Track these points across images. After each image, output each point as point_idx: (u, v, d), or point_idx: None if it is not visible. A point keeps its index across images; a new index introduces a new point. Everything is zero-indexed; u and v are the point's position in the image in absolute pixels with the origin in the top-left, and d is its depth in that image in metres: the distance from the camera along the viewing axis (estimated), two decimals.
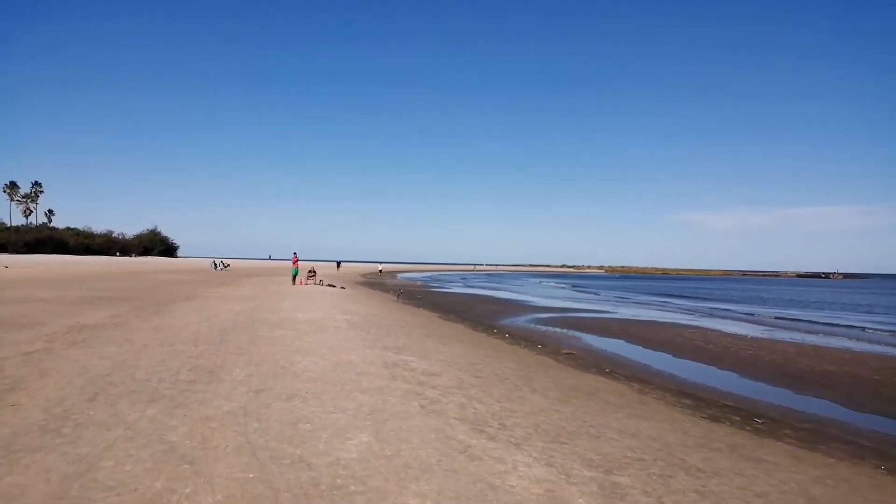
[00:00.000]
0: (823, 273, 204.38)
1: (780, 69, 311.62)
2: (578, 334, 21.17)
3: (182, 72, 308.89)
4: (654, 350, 17.84)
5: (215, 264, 76.59)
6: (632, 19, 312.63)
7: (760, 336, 22.49)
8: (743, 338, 21.59)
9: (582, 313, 31.35)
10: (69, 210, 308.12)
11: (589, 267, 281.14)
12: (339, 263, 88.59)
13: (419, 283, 60.53)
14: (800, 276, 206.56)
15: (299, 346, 12.43)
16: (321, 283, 40.68)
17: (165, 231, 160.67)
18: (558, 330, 22.32)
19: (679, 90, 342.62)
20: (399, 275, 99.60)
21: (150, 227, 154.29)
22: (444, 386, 9.23)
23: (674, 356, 16.80)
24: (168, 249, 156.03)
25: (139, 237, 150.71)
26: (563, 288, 69.28)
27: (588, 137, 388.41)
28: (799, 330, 25.97)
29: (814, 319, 31.99)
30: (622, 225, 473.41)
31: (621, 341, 19.75)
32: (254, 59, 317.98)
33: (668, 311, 35.46)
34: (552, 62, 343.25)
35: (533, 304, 38.19)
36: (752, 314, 34.90)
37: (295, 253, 39.93)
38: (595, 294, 56.99)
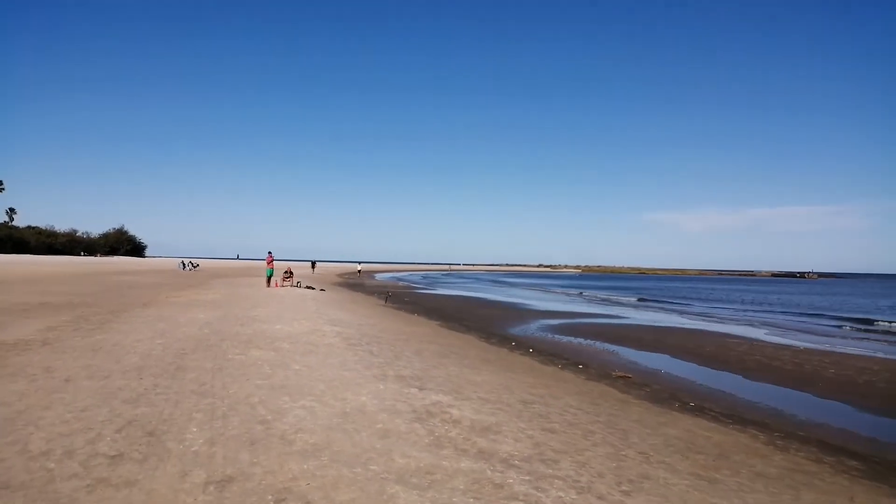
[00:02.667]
0: (798, 273, 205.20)
1: (748, 72, 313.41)
2: (611, 347, 18.01)
3: (150, 69, 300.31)
4: (716, 369, 14.75)
5: (183, 264, 72.31)
6: (604, 23, 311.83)
7: (812, 346, 19.49)
8: (797, 349, 18.57)
9: (592, 318, 28.23)
10: (33, 209, 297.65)
11: (566, 266, 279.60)
12: (314, 263, 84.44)
13: (401, 284, 57.11)
14: (774, 275, 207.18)
15: (284, 378, 9.01)
16: (298, 284, 37.07)
17: (133, 230, 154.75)
18: (583, 341, 19.13)
19: (651, 94, 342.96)
20: (376, 275, 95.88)
21: (117, 226, 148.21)
22: (519, 456, 5.91)
23: (746, 378, 13.76)
24: (135, 249, 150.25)
25: (105, 236, 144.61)
26: (549, 289, 66.22)
27: (561, 139, 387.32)
28: (847, 338, 23.11)
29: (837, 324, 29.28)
30: (596, 225, 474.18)
31: (666, 356, 16.65)
32: (222, 56, 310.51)
33: (680, 315, 32.58)
34: (528, 65, 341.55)
35: (532, 307, 35.01)
36: (768, 319, 32.10)
37: (270, 252, 36.21)
38: (586, 294, 54.09)
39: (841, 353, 18.30)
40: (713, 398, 11.14)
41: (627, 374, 12.86)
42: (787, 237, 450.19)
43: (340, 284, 52.50)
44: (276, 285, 35.42)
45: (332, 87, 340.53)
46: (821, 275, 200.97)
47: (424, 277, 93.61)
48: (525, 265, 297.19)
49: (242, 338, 13.34)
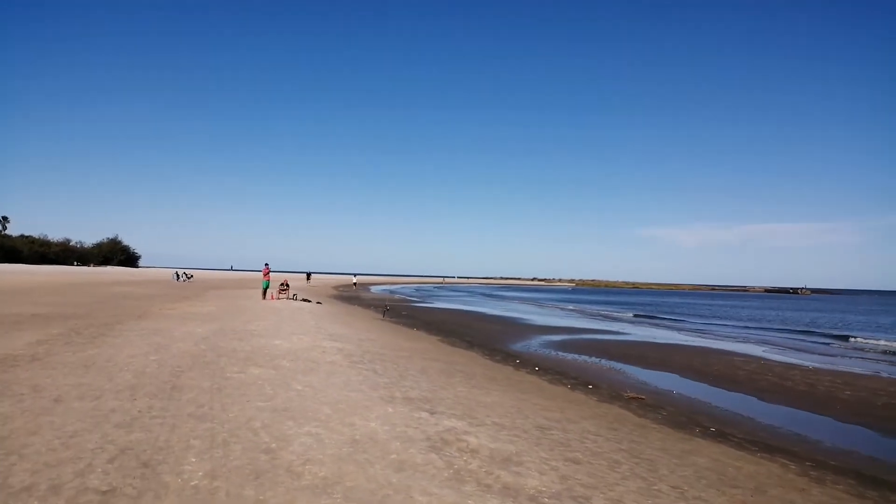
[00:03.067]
0: (791, 288, 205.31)
1: (741, 88, 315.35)
2: (617, 365, 17.58)
3: (145, 76, 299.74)
4: (728, 390, 14.34)
5: (177, 275, 71.57)
6: (599, 37, 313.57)
7: (821, 366, 19.08)
8: (806, 369, 18.16)
9: (592, 335, 27.78)
10: (26, 218, 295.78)
11: (559, 280, 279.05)
12: (309, 275, 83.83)
13: (397, 296, 56.60)
14: (768, 291, 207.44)
15: (286, 399, 8.52)
16: (294, 297, 36.51)
17: (127, 240, 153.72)
18: (587, 359, 18.69)
19: (645, 109, 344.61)
20: (371, 287, 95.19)
21: (111, 236, 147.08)
22: (548, 492, 5.45)
23: (761, 399, 13.35)
24: (129, 259, 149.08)
25: (99, 246, 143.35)
26: (544, 303, 65.74)
27: (556, 152, 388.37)
28: (845, 356, 22.70)
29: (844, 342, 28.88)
30: (590, 239, 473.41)
31: (675, 376, 16.22)
32: (218, 64, 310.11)
33: (679, 332, 32.12)
34: (523, 79, 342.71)
35: (531, 322, 34.56)
36: (769, 337, 31.69)
37: (267, 264, 35.62)
38: (582, 309, 53.64)
39: (851, 373, 17.91)
40: (733, 422, 10.68)
41: (640, 396, 12.41)
42: (779, 253, 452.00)
43: (336, 297, 51.94)
44: (273, 298, 34.87)
45: (326, 99, 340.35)
46: (814, 290, 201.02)
47: (419, 290, 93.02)
48: (519, 278, 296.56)
49: (241, 354, 12.84)
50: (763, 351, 22.85)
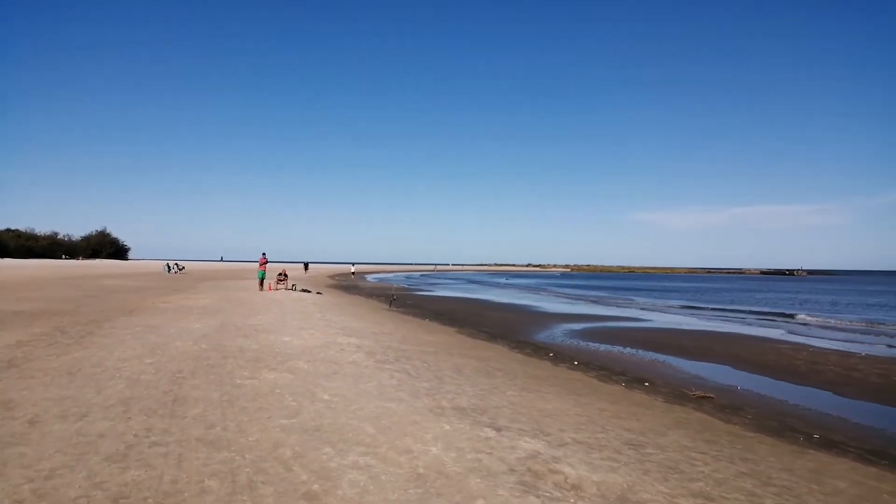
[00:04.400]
0: (788, 270, 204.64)
1: (731, 74, 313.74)
2: (657, 356, 16.11)
3: (132, 68, 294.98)
4: (795, 384, 12.91)
5: (168, 267, 69.61)
6: (591, 22, 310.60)
7: (875, 353, 17.63)
8: (863, 357, 16.71)
9: (613, 322, 26.32)
10: (12, 211, 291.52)
11: (554, 266, 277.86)
12: (306, 265, 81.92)
13: (396, 285, 54.82)
14: (764, 273, 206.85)
15: (315, 414, 6.95)
16: (293, 287, 34.83)
17: (116, 232, 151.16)
18: (622, 349, 17.21)
19: (635, 94, 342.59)
20: (367, 276, 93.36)
21: (99, 229, 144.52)
22: None
23: (838, 394, 11.89)
24: (118, 251, 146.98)
25: (87, 239, 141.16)
26: (546, 289, 64.26)
27: (549, 138, 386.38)
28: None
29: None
30: (582, 225, 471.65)
31: (727, 367, 14.78)
32: (205, 55, 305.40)
33: (699, 318, 30.64)
34: (516, 65, 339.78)
35: (543, 309, 33.08)
36: (799, 321, 30.33)
37: (264, 253, 33.87)
38: (587, 294, 52.19)
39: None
40: (830, 426, 9.17)
41: (708, 394, 10.91)
42: (771, 235, 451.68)
43: (335, 287, 50.29)
44: (270, 288, 33.21)
45: (316, 88, 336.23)
46: (809, 272, 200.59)
47: (415, 278, 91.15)
48: (514, 265, 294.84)
49: (249, 354, 11.24)
50: (808, 337, 21.34)
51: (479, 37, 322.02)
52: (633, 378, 12.50)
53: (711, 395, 10.80)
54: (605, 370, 13.35)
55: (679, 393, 11.05)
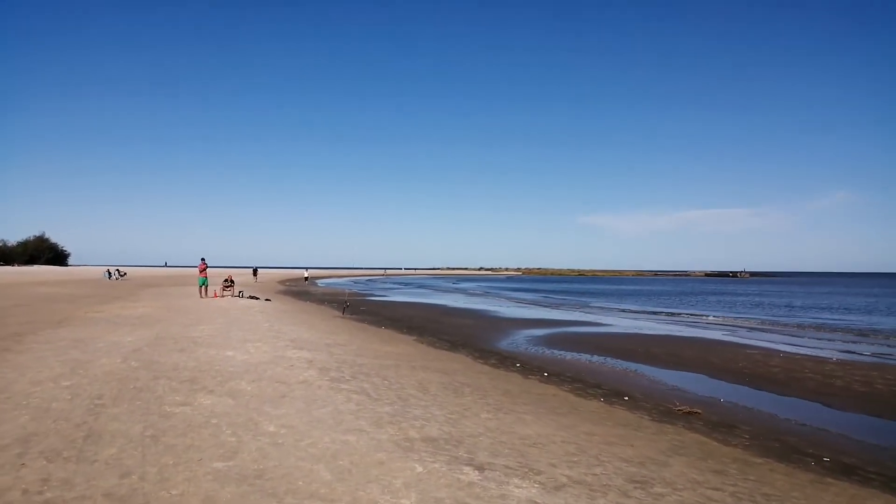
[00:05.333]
0: (731, 272, 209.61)
1: (672, 78, 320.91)
2: (629, 365, 15.33)
3: (72, 65, 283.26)
4: (778, 394, 12.25)
5: (109, 273, 66.38)
6: (538, 22, 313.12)
7: (849, 359, 17.17)
8: (838, 363, 16.22)
9: (575, 327, 25.56)
10: None
11: (506, 269, 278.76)
12: (255, 270, 79.12)
13: (348, 290, 53.08)
14: (708, 275, 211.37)
15: (258, 454, 5.73)
16: (241, 294, 33.12)
17: (55, 237, 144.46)
18: (590, 358, 16.38)
19: (577, 98, 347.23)
20: (318, 281, 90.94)
21: (38, 234, 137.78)
22: None
23: (828, 406, 11.22)
24: (57, 257, 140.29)
25: (24, 244, 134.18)
26: (501, 292, 63.59)
27: (499, 142, 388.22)
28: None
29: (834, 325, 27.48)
30: (531, 228, 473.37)
31: (702, 376, 14.07)
32: (147, 54, 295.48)
33: (659, 322, 30.26)
34: (464, 67, 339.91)
35: (501, 314, 32.18)
36: (757, 324, 30.15)
37: (203, 259, 32.00)
38: (542, 298, 51.63)
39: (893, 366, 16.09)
40: (840, 447, 8.33)
41: (694, 409, 10.02)
42: (714, 238, 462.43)
43: (285, 293, 48.47)
44: (216, 295, 31.43)
45: (258, 87, 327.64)
46: (752, 274, 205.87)
47: (368, 283, 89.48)
48: (465, 268, 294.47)
49: (184, 373, 9.88)
50: (773, 343, 20.85)
51: (427, 36, 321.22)
52: (611, 391, 11.57)
53: (698, 411, 9.93)
54: (579, 382, 12.39)
55: (663, 408, 10.14)
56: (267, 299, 32.59)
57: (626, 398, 10.91)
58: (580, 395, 10.90)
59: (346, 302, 31.10)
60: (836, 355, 17.43)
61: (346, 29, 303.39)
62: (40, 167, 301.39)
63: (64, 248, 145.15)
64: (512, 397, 9.98)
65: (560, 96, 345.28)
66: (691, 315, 34.63)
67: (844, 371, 14.61)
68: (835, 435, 8.92)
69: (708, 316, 33.95)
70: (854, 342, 21.26)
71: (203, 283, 31.21)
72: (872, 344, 20.63)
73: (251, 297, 32.10)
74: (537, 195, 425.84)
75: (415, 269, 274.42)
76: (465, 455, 6.06)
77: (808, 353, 18.11)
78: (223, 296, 32.09)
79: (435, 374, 11.78)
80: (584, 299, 51.91)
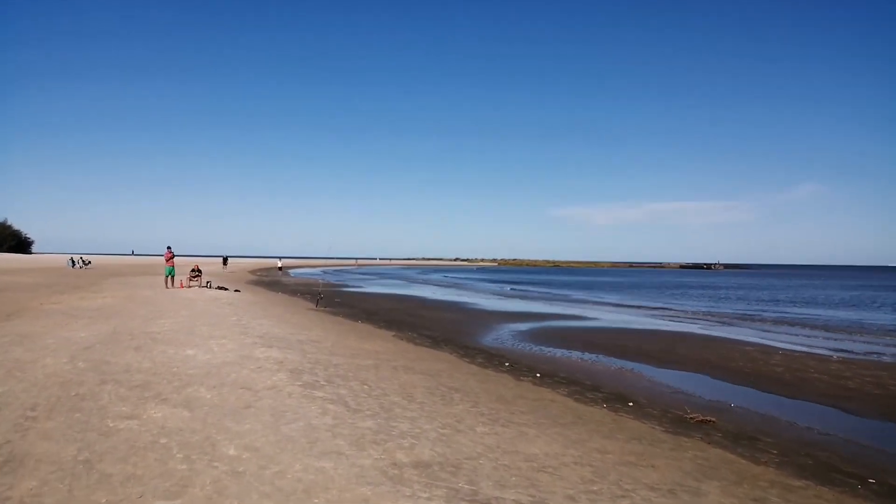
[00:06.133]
0: (705, 264, 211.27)
1: (642, 71, 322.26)
2: (624, 363, 14.43)
3: (37, 46, 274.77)
4: (790, 397, 11.40)
5: (73, 261, 64.01)
6: (507, 17, 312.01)
7: (849, 357, 16.42)
8: (842, 361, 15.46)
9: (560, 321, 24.64)
10: None
11: (482, 260, 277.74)
12: (225, 259, 77.10)
13: (322, 281, 51.47)
14: (683, 266, 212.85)
15: (214, 488, 4.65)
16: (208, 285, 31.66)
17: (18, 224, 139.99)
18: (582, 356, 15.44)
19: (551, 90, 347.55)
20: (291, 271, 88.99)
21: None
22: None
23: (846, 412, 10.34)
24: (20, 245, 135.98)
25: None
26: (479, 284, 62.63)
27: (475, 132, 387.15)
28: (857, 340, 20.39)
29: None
30: (507, 219, 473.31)
31: (704, 377, 13.21)
32: (115, 39, 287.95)
33: (645, 315, 29.44)
34: (434, 57, 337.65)
35: (483, 307, 31.16)
36: (754, 316, 29.54)
37: (169, 247, 30.40)
38: (522, 289, 50.77)
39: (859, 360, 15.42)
40: (880, 465, 7.38)
41: (707, 417, 9.06)
42: (686, 230, 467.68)
43: (256, 283, 46.94)
44: (182, 286, 29.97)
45: (229, 73, 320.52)
46: (725, 266, 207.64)
47: (342, 273, 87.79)
48: (441, 259, 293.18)
49: (137, 377, 8.68)
50: (766, 338, 20.09)
51: (400, 29, 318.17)
52: (612, 395, 10.59)
53: (712, 419, 8.98)
54: (576, 385, 11.40)
55: (674, 416, 9.18)
56: (236, 290, 31.21)
57: (631, 403, 9.94)
58: (580, 401, 9.89)
59: (319, 293, 29.83)
60: (834, 353, 16.66)
61: (310, 20, 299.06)
62: (2, 153, 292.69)
63: (27, 236, 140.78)
64: (507, 404, 8.93)
65: (533, 90, 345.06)
66: (675, 308, 33.98)
67: (851, 371, 13.82)
68: (869, 449, 8.01)
69: (692, 309, 33.32)
70: (848, 339, 20.50)
71: (170, 273, 29.71)
72: (866, 342, 19.86)
73: (219, 288, 30.68)
74: (511, 186, 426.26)
75: (390, 259, 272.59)
76: (467, 487, 4.99)
77: (806, 350, 17.36)
78: (190, 286, 30.64)
79: (419, 376, 10.70)
80: (563, 291, 51.15)
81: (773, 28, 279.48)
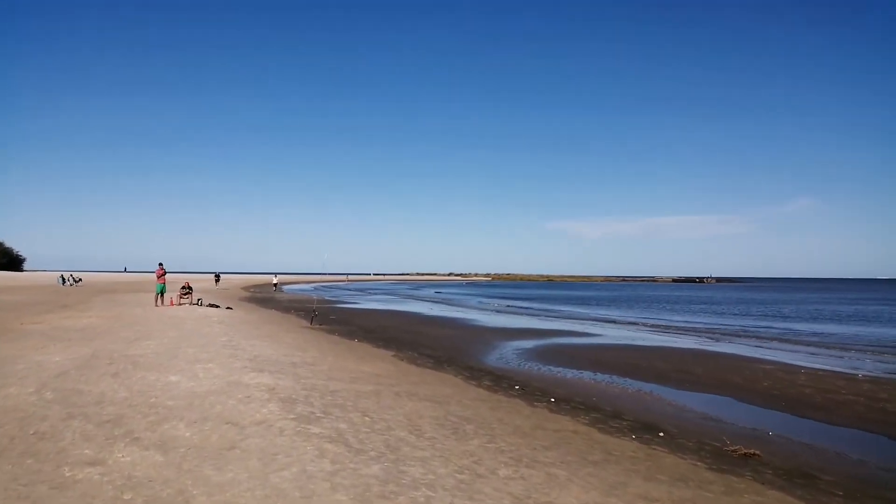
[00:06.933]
0: (698, 278, 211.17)
1: (637, 83, 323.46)
2: (642, 386, 13.46)
3: (28, 62, 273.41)
4: (832, 424, 10.45)
5: (63, 279, 62.73)
6: (502, 28, 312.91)
7: (879, 375, 15.49)
8: (870, 380, 14.52)
9: (563, 338, 23.68)
10: None
11: (476, 275, 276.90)
12: (217, 276, 75.84)
13: (315, 297, 50.27)
14: (676, 280, 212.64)
15: None
16: (199, 302, 30.55)
17: (9, 242, 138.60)
18: (593, 376, 14.55)
19: (544, 103, 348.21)
20: (284, 287, 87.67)
21: None
22: None
23: (894, 439, 9.24)
24: (11, 262, 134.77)
25: None
26: (475, 299, 61.58)
27: (468, 145, 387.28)
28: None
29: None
30: (500, 233, 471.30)
31: (730, 399, 12.31)
32: (108, 54, 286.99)
33: (651, 332, 28.46)
34: (429, 67, 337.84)
35: (482, 323, 30.17)
36: (762, 331, 28.61)
37: (161, 264, 29.31)
38: (519, 306, 49.77)
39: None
40: None
41: (751, 450, 8.07)
42: (679, 244, 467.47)
43: (249, 300, 45.81)
44: (172, 303, 28.87)
45: (221, 87, 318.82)
46: (718, 279, 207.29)
47: (330, 289, 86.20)
48: (435, 274, 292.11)
49: (109, 410, 7.68)
50: (783, 356, 19.13)
51: (395, 39, 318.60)
52: (637, 423, 9.61)
53: (756, 452, 8.02)
54: (595, 411, 10.42)
55: (712, 449, 8.21)
56: (228, 307, 30.14)
57: (661, 433, 8.97)
58: (606, 431, 8.91)
59: (314, 310, 28.78)
60: (859, 372, 15.72)
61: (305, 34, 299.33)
62: None
63: (19, 253, 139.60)
64: (527, 438, 7.94)
65: (527, 104, 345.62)
66: (678, 323, 33.06)
67: (886, 392, 12.91)
68: None
69: (696, 324, 32.45)
70: (868, 358, 19.44)
71: (160, 290, 28.62)
72: (885, 362, 18.81)
73: (210, 305, 29.62)
74: (505, 200, 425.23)
75: (384, 274, 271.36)
76: None
77: (829, 368, 16.40)
78: (180, 304, 29.55)
79: (425, 403, 9.69)
80: (559, 305, 50.26)
81: (766, 42, 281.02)
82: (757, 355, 19.02)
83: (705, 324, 32.77)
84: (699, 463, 7.46)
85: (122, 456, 5.90)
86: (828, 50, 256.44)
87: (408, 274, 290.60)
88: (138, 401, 8.32)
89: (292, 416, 7.62)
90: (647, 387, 13.23)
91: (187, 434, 6.70)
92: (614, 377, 14.34)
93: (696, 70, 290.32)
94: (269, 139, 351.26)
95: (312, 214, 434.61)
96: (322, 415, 7.92)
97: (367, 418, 8.00)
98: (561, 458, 7.04)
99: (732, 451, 8.07)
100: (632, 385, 13.44)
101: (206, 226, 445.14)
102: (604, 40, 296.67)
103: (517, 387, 12.41)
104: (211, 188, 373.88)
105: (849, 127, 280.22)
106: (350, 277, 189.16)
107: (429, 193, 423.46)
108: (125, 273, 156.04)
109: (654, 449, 8.03)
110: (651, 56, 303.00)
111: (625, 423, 9.64)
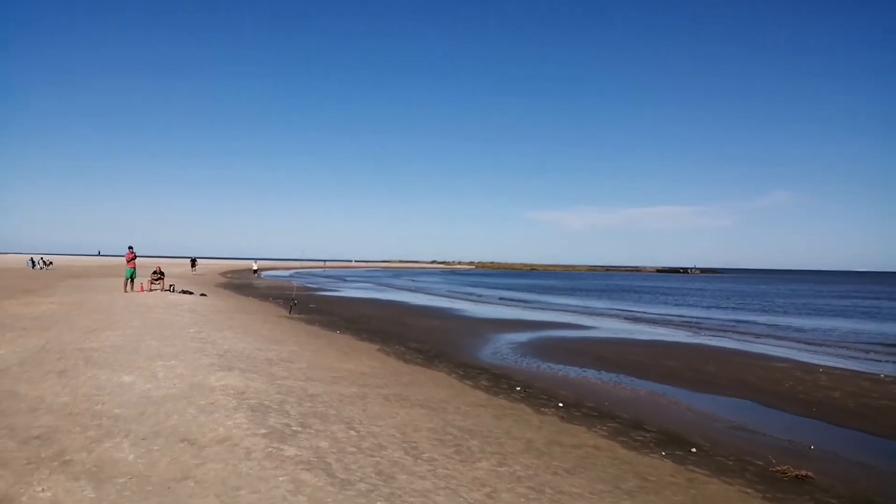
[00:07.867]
0: (682, 268, 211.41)
1: (619, 74, 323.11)
2: (655, 388, 12.28)
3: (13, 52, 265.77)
4: (878, 436, 9.23)
5: (33, 262, 60.50)
6: (486, 20, 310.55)
7: None
8: (881, 380, 13.51)
9: (558, 330, 22.52)
10: None
11: (459, 263, 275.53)
12: (193, 261, 73.63)
13: (295, 284, 48.63)
14: (660, 271, 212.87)
15: None
16: (171, 289, 28.94)
17: None
18: (598, 375, 13.39)
19: (525, 93, 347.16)
20: (263, 273, 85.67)
21: None
22: None
23: None
24: None
25: None
26: (461, 288, 60.28)
27: (452, 135, 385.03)
28: None
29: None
30: (482, 222, 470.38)
31: (754, 404, 11.16)
32: (86, 35, 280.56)
33: (650, 325, 27.38)
34: (412, 57, 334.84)
35: (473, 314, 28.94)
36: (765, 324, 27.64)
37: (130, 247, 27.61)
38: (506, 295, 48.57)
39: None
40: None
41: (803, 472, 6.90)
42: (660, 235, 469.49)
43: (225, 286, 44.15)
44: (142, 289, 27.28)
45: (198, 70, 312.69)
46: (702, 270, 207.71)
47: (310, 276, 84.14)
48: (417, 261, 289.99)
49: (42, 420, 6.35)
50: (795, 352, 18.10)
51: (381, 30, 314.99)
52: (663, 435, 8.41)
53: (808, 474, 6.85)
54: (612, 419, 9.22)
55: (757, 469, 7.04)
56: (202, 294, 28.63)
57: (693, 449, 7.76)
58: (630, 446, 7.70)
59: (293, 299, 27.34)
60: (881, 373, 14.68)
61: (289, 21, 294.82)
62: None
63: None
64: (543, 458, 6.70)
65: (511, 94, 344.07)
66: (673, 315, 32.04)
67: None
68: None
69: (692, 317, 31.46)
70: (883, 356, 18.46)
71: (130, 275, 27.00)
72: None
73: (184, 292, 28.07)
74: (488, 190, 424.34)
75: (366, 261, 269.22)
76: None
77: (848, 368, 15.35)
78: (151, 290, 27.97)
79: (418, 410, 8.42)
80: (547, 296, 49.12)
81: (748, 36, 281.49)
82: (766, 352, 17.96)
83: (702, 316, 31.75)
84: (749, 490, 6.27)
85: (42, 490, 4.59)
86: (805, 45, 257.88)
87: (390, 261, 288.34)
88: (81, 408, 6.99)
89: (263, 432, 6.31)
90: (659, 388, 12.07)
91: (131, 457, 5.38)
92: (621, 376, 13.18)
93: (678, 64, 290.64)
94: (250, 125, 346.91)
95: (295, 201, 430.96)
96: (299, 428, 6.62)
97: (352, 432, 6.72)
98: (590, 486, 5.81)
99: (781, 472, 6.90)
100: (642, 386, 12.27)
101: (184, 210, 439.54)
102: (586, 32, 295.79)
103: (518, 388, 11.18)
104: (190, 174, 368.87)
105: (825, 122, 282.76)
106: (328, 263, 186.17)
107: (412, 182, 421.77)
108: (98, 257, 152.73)
109: (692, 471, 6.82)
110: (634, 49, 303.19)
111: (649, 435, 8.43)
